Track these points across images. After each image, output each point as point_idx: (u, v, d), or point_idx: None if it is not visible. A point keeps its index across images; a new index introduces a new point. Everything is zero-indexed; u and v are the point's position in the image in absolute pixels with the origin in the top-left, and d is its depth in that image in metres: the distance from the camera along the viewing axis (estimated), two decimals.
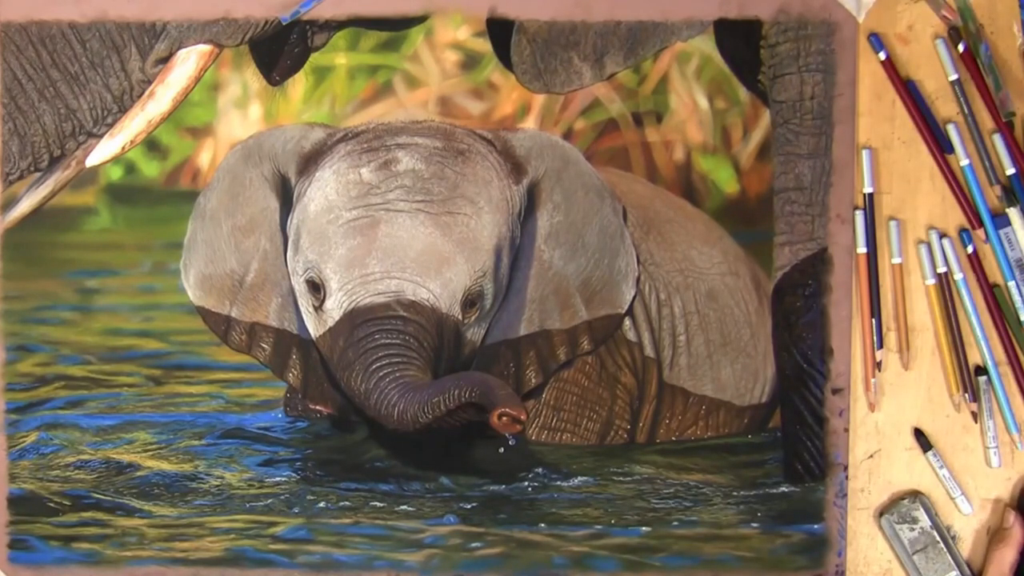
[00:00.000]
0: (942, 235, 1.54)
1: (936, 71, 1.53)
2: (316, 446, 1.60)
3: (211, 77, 1.56)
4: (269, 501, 1.57)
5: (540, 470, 1.57)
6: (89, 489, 1.57)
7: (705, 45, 1.56)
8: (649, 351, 1.61)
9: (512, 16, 1.53)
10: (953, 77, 1.52)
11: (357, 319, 1.52)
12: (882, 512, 1.55)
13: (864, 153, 1.53)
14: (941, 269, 1.54)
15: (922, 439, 1.54)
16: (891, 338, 1.54)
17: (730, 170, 1.58)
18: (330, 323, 1.54)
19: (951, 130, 1.53)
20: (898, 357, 1.54)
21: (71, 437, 1.59)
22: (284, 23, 1.52)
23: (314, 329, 1.56)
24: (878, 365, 1.53)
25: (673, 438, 1.61)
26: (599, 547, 1.55)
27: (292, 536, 1.55)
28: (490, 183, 1.56)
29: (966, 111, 1.52)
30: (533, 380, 1.58)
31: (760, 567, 1.56)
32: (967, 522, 1.54)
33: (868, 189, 1.53)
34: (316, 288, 1.54)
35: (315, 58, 1.56)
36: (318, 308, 1.54)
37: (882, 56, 1.52)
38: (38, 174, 1.57)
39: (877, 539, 1.56)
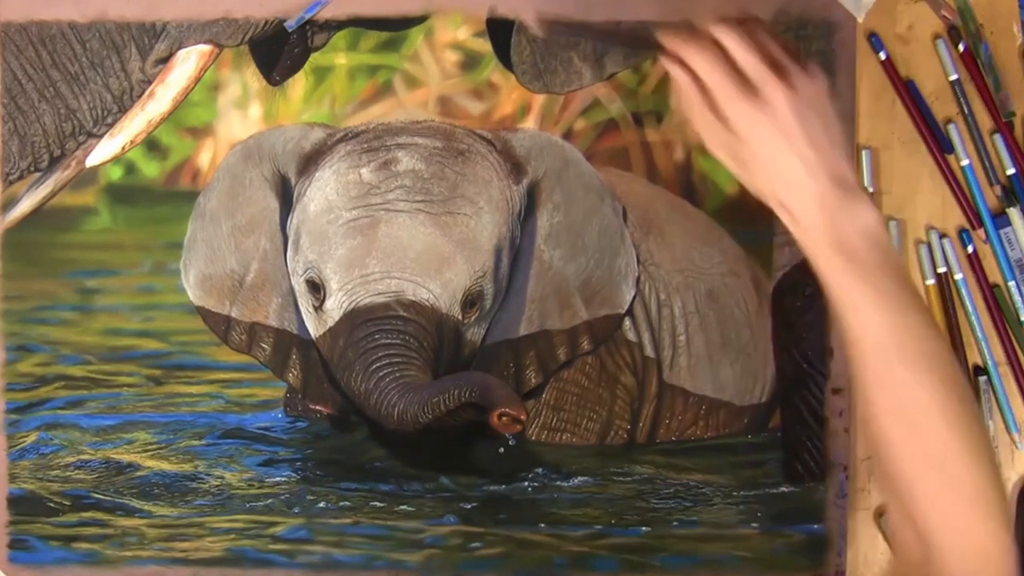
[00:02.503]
0: (942, 235, 1.54)
1: (936, 71, 1.53)
2: (316, 446, 1.60)
3: (211, 77, 1.56)
4: (269, 501, 1.57)
5: (540, 470, 1.57)
6: (89, 489, 1.57)
7: None
8: (649, 351, 1.61)
9: (512, 16, 1.53)
10: (953, 77, 1.52)
11: (357, 319, 1.52)
12: (882, 512, 1.55)
13: (864, 153, 1.53)
14: (941, 269, 1.54)
15: None
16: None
17: None
18: (330, 323, 1.54)
19: (951, 130, 1.53)
20: None
21: (71, 437, 1.59)
22: (290, 30, 1.52)
23: (314, 329, 1.56)
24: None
25: (673, 438, 1.61)
26: (599, 547, 1.55)
27: (292, 536, 1.55)
28: (490, 183, 1.56)
29: (966, 111, 1.52)
30: (533, 380, 1.58)
31: (760, 567, 1.56)
32: None
33: (868, 189, 1.53)
34: (316, 288, 1.54)
35: (315, 58, 1.56)
36: (318, 308, 1.54)
37: (882, 56, 1.52)
38: (38, 174, 1.57)
39: (877, 539, 1.56)
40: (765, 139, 1.19)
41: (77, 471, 1.58)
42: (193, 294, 1.59)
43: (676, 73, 1.22)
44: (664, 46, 1.23)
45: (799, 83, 1.19)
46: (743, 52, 1.19)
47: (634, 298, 1.59)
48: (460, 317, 1.54)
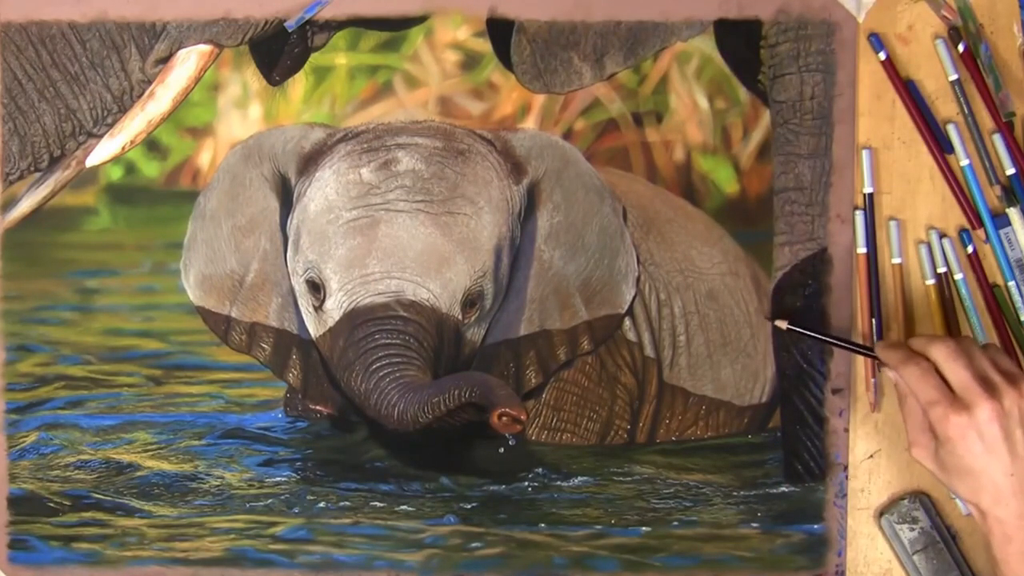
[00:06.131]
0: (942, 235, 1.54)
1: (936, 71, 1.53)
2: (316, 446, 1.60)
3: (211, 77, 1.56)
4: (269, 501, 1.57)
5: (540, 470, 1.57)
6: (89, 489, 1.57)
7: (705, 45, 1.56)
8: (649, 351, 1.61)
9: (512, 16, 1.53)
10: (953, 77, 1.52)
11: (357, 319, 1.52)
12: (882, 512, 1.55)
13: (864, 153, 1.53)
14: (941, 269, 1.54)
15: None
16: (891, 338, 1.54)
17: (730, 170, 1.58)
18: (330, 323, 1.54)
19: (951, 130, 1.53)
20: None
21: (71, 437, 1.59)
22: (290, 30, 1.52)
23: (314, 329, 1.56)
24: (879, 365, 1.53)
25: (673, 438, 1.61)
26: (599, 547, 1.55)
27: (292, 536, 1.55)
28: (490, 183, 1.56)
29: (966, 111, 1.52)
30: (533, 380, 1.58)
31: (760, 567, 1.56)
32: (967, 522, 1.54)
33: (868, 189, 1.53)
34: (316, 288, 1.54)
35: (315, 58, 1.56)
36: (318, 308, 1.54)
37: (882, 56, 1.52)
38: (38, 174, 1.57)
39: (877, 539, 1.56)
40: (970, 452, 1.29)
41: (77, 471, 1.58)
42: (193, 294, 1.59)
43: (900, 385, 1.37)
44: (883, 360, 1.37)
45: (1007, 400, 1.29)
46: (952, 368, 1.31)
47: (634, 298, 1.59)
48: (460, 317, 1.54)
